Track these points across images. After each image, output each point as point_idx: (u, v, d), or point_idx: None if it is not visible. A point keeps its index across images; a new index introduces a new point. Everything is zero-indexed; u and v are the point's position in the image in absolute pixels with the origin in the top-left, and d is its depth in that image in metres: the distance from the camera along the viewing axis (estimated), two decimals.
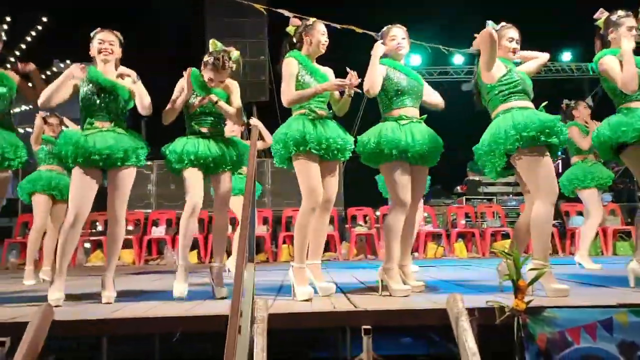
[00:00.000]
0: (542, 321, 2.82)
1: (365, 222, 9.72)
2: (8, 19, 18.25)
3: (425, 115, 3.72)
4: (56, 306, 3.33)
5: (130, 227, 9.26)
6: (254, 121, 5.61)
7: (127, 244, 9.07)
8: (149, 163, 10.61)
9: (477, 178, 11.54)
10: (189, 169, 3.62)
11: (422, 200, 4.91)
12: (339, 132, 3.54)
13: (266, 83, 11.21)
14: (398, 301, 3.16)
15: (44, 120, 5.71)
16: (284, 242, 9.25)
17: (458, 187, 12.03)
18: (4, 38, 3.81)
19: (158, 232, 9.17)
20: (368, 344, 2.76)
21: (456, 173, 12.00)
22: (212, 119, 3.78)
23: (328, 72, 3.72)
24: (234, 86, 3.79)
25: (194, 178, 3.61)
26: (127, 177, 3.56)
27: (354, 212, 9.86)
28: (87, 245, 9.37)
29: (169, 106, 3.72)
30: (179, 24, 12.11)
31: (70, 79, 3.48)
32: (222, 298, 3.55)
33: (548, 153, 3.31)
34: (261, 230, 9.17)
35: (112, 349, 4.37)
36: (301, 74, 3.57)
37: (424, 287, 3.72)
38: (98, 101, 3.53)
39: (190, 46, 11.10)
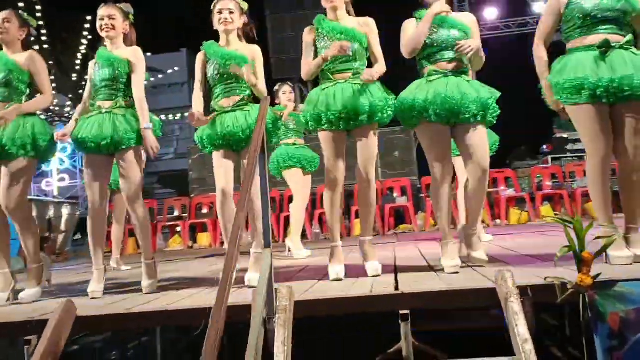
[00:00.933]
0: (613, 298, 2.40)
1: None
2: (89, 17, 19.04)
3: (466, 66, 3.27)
4: (92, 298, 3.31)
5: (205, 211, 9.37)
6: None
7: (203, 227, 9.19)
8: None
9: (565, 135, 10.66)
10: (214, 154, 3.43)
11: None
12: (356, 95, 3.17)
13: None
14: (443, 281, 2.81)
15: None
16: (357, 217, 8.97)
17: (544, 147, 11.20)
18: (34, 32, 3.73)
19: None
20: (406, 331, 2.47)
21: (541, 131, 11.17)
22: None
23: (357, 23, 3.34)
24: (258, 53, 3.48)
25: (217, 162, 3.41)
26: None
27: (429, 180, 9.38)
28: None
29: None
30: None
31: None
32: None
33: None
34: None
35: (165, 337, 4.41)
36: (318, 40, 3.29)
37: (486, 261, 3.30)
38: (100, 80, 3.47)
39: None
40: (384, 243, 6.21)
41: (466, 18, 3.37)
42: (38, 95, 3.62)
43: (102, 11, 3.50)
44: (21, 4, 12.17)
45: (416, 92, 3.18)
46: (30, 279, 3.49)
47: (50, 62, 15.61)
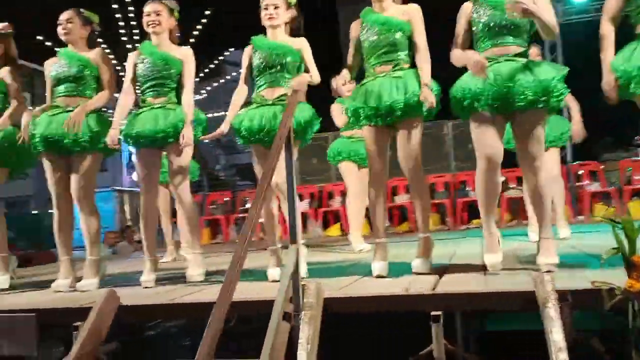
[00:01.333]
0: None
1: (519, 184, 8.82)
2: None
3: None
4: (146, 287, 3.43)
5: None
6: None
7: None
8: None
9: None
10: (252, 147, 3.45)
11: None
12: (392, 90, 3.07)
13: None
14: (486, 282, 2.67)
15: None
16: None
17: (636, 137, 10.41)
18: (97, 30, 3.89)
19: (302, 206, 9.28)
20: (437, 333, 2.37)
21: (632, 121, 10.38)
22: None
23: (398, 11, 3.23)
24: (305, 44, 3.45)
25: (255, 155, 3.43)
26: None
27: (504, 173, 9.00)
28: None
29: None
30: None
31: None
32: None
33: None
34: (402, 199, 8.81)
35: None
36: (362, 33, 3.23)
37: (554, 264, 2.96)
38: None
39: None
40: (452, 238, 6.02)
41: None
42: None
43: (149, 7, 3.57)
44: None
45: (468, 81, 3.00)
46: (89, 270, 3.65)
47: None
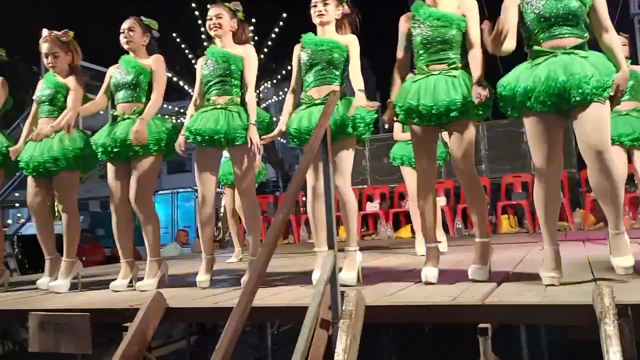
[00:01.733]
0: None
1: None
2: (253, 20, 20.21)
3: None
4: (203, 288, 3.46)
5: None
6: None
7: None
8: None
9: None
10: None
11: None
12: (449, 90, 2.90)
13: None
14: (537, 294, 2.47)
15: None
16: (504, 212, 8.40)
17: None
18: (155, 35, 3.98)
19: (372, 207, 9.16)
20: (485, 347, 2.21)
21: None
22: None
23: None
24: (354, 41, 3.34)
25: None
26: None
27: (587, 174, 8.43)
28: None
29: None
30: None
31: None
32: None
33: None
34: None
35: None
36: (414, 28, 3.08)
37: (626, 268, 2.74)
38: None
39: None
40: (526, 242, 5.71)
41: None
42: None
43: (211, 11, 3.60)
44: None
45: (519, 77, 2.76)
46: (149, 270, 3.74)
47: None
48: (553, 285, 2.63)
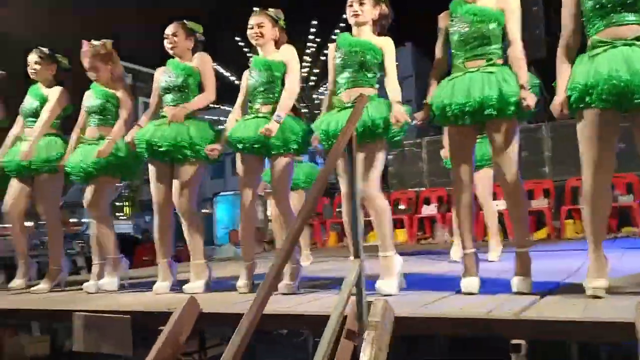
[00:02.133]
0: None
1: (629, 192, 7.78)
2: (314, 22, 20.32)
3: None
4: (242, 293, 3.47)
5: (403, 207, 9.29)
6: None
7: (400, 224, 9.12)
8: (417, 140, 10.50)
9: None
10: None
11: None
12: (484, 86, 2.77)
13: (542, 37, 9.87)
14: (578, 308, 2.31)
15: None
16: (569, 217, 8.01)
17: None
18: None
19: (429, 210, 8.98)
20: None
21: None
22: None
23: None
24: (389, 44, 3.25)
25: None
26: None
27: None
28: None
29: None
30: None
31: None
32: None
33: None
34: (541, 203, 8.15)
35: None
36: (451, 25, 3.01)
37: None
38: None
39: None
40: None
41: None
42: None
43: (252, 20, 3.57)
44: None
45: (576, 71, 2.57)
46: (193, 273, 3.79)
47: None
48: (597, 297, 2.47)
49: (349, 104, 3.17)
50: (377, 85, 3.29)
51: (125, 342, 3.04)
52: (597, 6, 2.54)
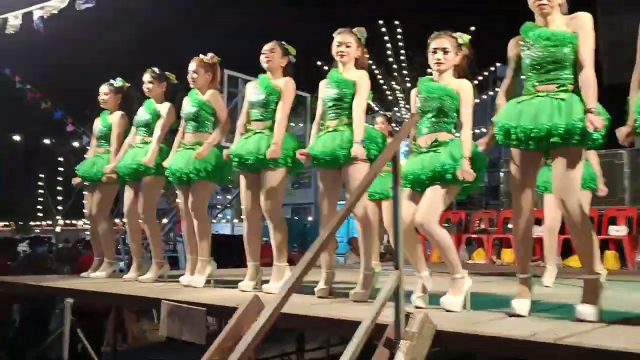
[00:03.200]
0: None
1: None
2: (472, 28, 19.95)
3: None
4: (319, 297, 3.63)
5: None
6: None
7: (508, 243, 8.78)
8: None
9: None
10: None
11: None
12: (553, 112, 2.73)
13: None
14: (628, 339, 2.20)
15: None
16: None
17: None
18: None
19: (539, 231, 8.55)
20: None
21: None
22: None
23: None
24: (466, 87, 3.31)
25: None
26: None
27: None
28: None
29: None
30: None
31: None
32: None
33: None
34: (619, 231, 7.61)
35: None
36: (523, 50, 2.99)
37: None
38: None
39: None
40: None
41: None
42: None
43: (339, 37, 3.72)
44: None
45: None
46: (274, 274, 4.02)
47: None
48: None
49: (424, 149, 3.24)
50: (454, 131, 3.31)
51: (200, 332, 3.34)
52: None
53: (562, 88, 2.80)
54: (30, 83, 12.32)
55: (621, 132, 2.62)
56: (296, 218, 21.87)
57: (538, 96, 2.83)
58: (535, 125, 2.73)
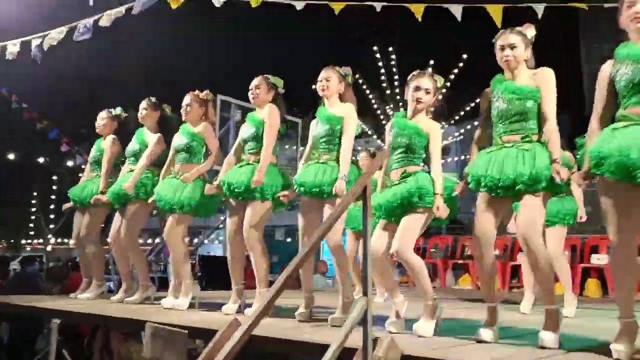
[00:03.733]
0: None
1: None
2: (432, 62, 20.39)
3: None
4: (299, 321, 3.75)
5: (497, 252, 9.09)
6: None
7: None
8: None
9: None
10: None
11: None
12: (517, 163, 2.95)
13: None
14: None
15: None
16: None
17: None
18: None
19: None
20: None
21: None
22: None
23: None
24: (434, 130, 3.52)
25: None
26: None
27: None
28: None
29: None
30: None
31: None
32: None
33: None
34: (600, 259, 7.82)
35: None
36: (493, 101, 3.20)
37: None
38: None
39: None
40: None
41: None
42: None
43: (322, 73, 3.94)
44: None
45: (601, 144, 2.65)
46: (256, 300, 4.13)
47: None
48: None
49: (396, 182, 3.42)
50: (422, 165, 3.50)
51: (181, 354, 3.45)
52: (630, 84, 2.63)
53: (526, 139, 3.01)
54: (27, 102, 12.49)
55: (576, 178, 2.81)
56: (289, 240, 21.96)
57: (505, 147, 3.03)
58: (501, 176, 2.93)
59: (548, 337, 2.82)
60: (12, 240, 32.01)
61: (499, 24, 5.34)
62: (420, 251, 10.08)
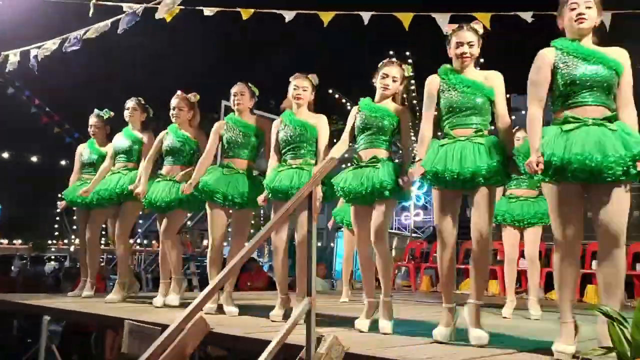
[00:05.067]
0: None
1: None
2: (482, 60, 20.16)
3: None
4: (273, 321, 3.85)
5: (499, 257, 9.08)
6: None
7: (494, 274, 8.89)
8: None
9: None
10: None
11: None
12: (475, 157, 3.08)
13: None
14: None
15: None
16: None
17: None
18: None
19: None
20: None
21: None
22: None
23: None
24: (403, 114, 3.66)
25: None
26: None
27: None
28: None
29: None
30: None
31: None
32: None
33: None
34: None
35: None
36: (442, 91, 3.32)
37: None
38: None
39: None
40: None
41: (616, 53, 2.81)
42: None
43: (296, 81, 4.04)
44: None
45: (553, 145, 2.73)
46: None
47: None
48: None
49: (364, 163, 3.53)
50: (391, 148, 3.63)
51: None
52: (576, 83, 2.78)
53: (479, 133, 3.12)
54: (47, 105, 12.88)
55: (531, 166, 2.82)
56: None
57: (459, 140, 3.12)
58: (461, 170, 3.03)
59: (479, 333, 2.98)
60: (39, 241, 32.76)
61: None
62: (423, 255, 10.16)
